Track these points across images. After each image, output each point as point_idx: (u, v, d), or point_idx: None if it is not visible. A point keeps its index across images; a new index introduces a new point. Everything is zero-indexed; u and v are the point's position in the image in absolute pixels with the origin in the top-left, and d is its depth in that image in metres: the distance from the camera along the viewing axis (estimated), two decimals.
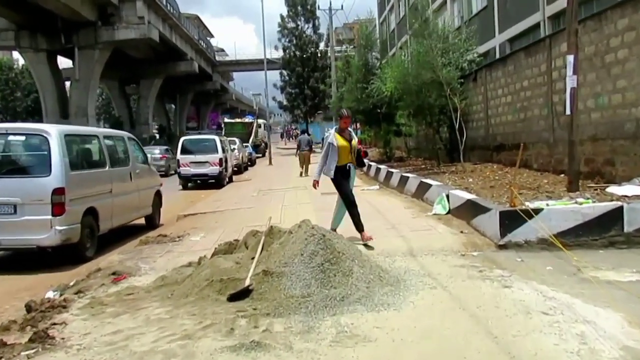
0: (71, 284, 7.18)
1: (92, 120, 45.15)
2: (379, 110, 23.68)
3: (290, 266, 5.91)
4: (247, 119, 56.77)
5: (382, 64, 24.32)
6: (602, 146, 11.42)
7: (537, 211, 7.85)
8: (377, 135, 29.50)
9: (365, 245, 8.18)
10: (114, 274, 7.36)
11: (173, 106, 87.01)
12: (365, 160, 8.69)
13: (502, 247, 7.82)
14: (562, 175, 12.44)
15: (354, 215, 8.54)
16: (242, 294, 5.74)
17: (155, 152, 33.37)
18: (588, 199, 8.66)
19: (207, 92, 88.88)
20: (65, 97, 46.56)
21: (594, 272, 6.57)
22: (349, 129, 8.71)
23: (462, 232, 8.88)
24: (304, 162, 25.46)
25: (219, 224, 11.74)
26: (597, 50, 11.51)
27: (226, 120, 60.96)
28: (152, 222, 12.60)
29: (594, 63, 11.64)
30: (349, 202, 8.56)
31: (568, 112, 10.01)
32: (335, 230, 8.33)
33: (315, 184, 8.86)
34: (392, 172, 17.33)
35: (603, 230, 7.80)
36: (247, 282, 5.83)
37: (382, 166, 20.27)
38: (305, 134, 29.51)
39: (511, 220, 7.86)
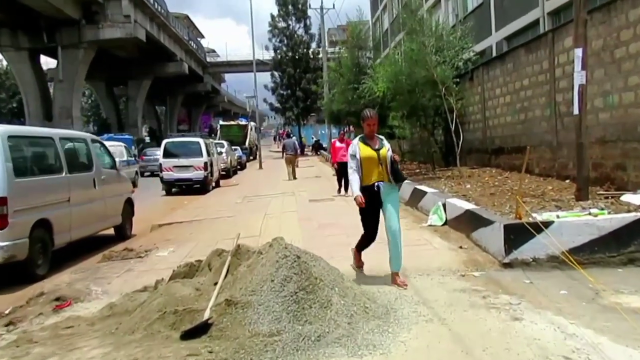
0: (6, 311, 6.14)
1: (78, 122, 43.95)
2: None
3: (258, 295, 4.90)
4: (243, 122, 55.91)
5: (374, 63, 23.38)
6: (612, 149, 10.53)
7: (547, 224, 6.87)
8: None
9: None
10: (57, 299, 6.32)
11: (164, 108, 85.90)
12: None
13: (507, 265, 6.84)
14: (568, 180, 11.60)
15: (363, 246, 6.92)
16: (198, 330, 4.73)
17: (157, 153, 32.54)
18: (602, 209, 7.70)
19: (198, 94, 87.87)
20: (49, 98, 45.29)
21: (615, 296, 5.61)
22: (378, 135, 6.67)
23: (461, 247, 7.89)
24: (291, 165, 24.78)
25: (193, 236, 10.74)
26: (606, 45, 10.63)
27: (221, 122, 60.02)
28: (122, 232, 11.49)
29: (602, 58, 10.75)
30: (366, 235, 6.68)
31: (576, 111, 9.13)
32: (397, 274, 6.37)
33: (360, 199, 6.28)
34: None
35: (621, 246, 6.84)
36: (206, 315, 4.83)
37: None
38: (293, 138, 28.75)
39: (517, 234, 6.88)
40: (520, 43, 16.06)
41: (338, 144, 17.05)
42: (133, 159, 29.79)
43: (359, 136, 6.71)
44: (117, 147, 27.68)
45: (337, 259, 7.67)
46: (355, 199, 6.38)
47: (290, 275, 5.01)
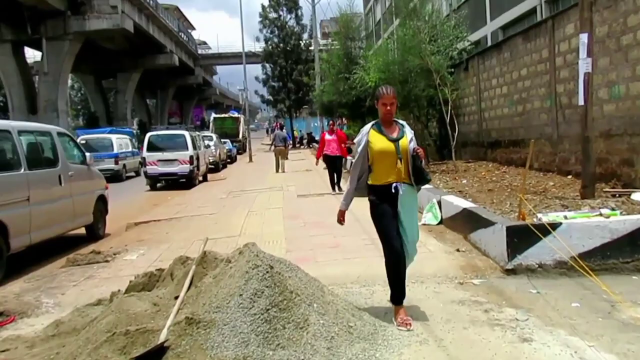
0: None
1: (63, 116, 42.75)
2: (362, 103, 22.02)
3: (224, 312, 4.16)
4: (235, 114, 55.04)
5: (366, 53, 22.63)
6: (618, 143, 9.86)
7: (554, 226, 6.15)
8: None
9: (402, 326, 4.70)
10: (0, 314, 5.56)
11: (155, 101, 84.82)
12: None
13: (510, 272, 6.12)
14: (570, 176, 10.95)
15: (394, 274, 4.95)
16: (151, 356, 3.97)
17: None
18: (613, 209, 6.99)
19: (190, 87, 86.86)
20: (34, 92, 43.90)
21: (634, 310, 4.97)
22: (398, 120, 5.09)
23: (458, 250, 7.17)
24: (280, 157, 24.48)
25: (169, 236, 9.98)
26: (612, 31, 9.93)
27: (214, 115, 58.90)
28: (94, 232, 10.61)
29: (608, 46, 10.05)
30: (389, 253, 4.89)
31: (581, 102, 8.45)
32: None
33: (341, 216, 5.19)
34: None
35: (636, 251, 6.14)
36: (162, 337, 4.08)
37: None
38: (284, 129, 28.13)
39: (521, 237, 6.16)
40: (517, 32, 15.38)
41: (328, 137, 15.35)
42: (137, 150, 29.79)
43: (373, 122, 5.09)
44: (123, 139, 28.44)
45: (320, 262, 7.03)
46: (339, 212, 5.12)
47: (261, 288, 4.27)
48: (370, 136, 4.88)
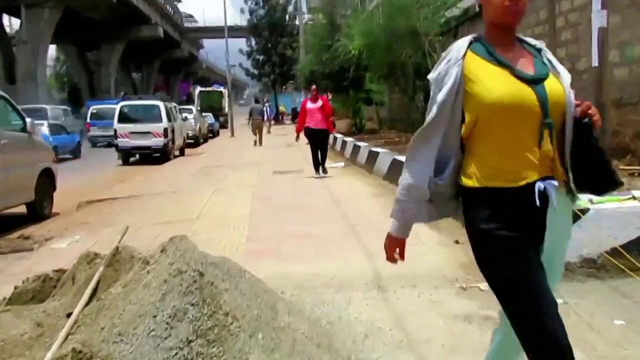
0: None
1: (43, 87, 41.25)
2: (346, 74, 20.71)
3: (128, 342, 2.81)
4: (221, 88, 53.50)
5: (349, 19, 21.35)
6: (632, 113, 8.72)
7: (580, 213, 4.85)
8: (346, 103, 26.39)
9: None
10: None
11: (141, 75, 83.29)
12: None
13: None
14: None
15: None
16: None
17: None
18: None
19: (176, 61, 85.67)
20: (13, 61, 42.24)
21: None
22: (529, 41, 2.25)
23: (457, 242, 5.80)
24: (258, 130, 24.77)
25: (119, 217, 8.59)
26: None
27: (200, 89, 57.13)
28: (36, 211, 9.14)
29: (619, 1, 8.76)
30: (542, 351, 1.94)
31: (595, 63, 7.25)
32: None
33: (394, 247, 2.39)
34: (359, 147, 14.35)
35: None
36: None
37: (348, 139, 17.28)
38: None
39: None
40: None
41: (310, 105, 12.22)
42: None
43: (472, 36, 2.21)
44: None
45: (285, 257, 5.72)
46: (385, 242, 2.38)
47: (184, 307, 2.91)
48: (469, 61, 2.11)
